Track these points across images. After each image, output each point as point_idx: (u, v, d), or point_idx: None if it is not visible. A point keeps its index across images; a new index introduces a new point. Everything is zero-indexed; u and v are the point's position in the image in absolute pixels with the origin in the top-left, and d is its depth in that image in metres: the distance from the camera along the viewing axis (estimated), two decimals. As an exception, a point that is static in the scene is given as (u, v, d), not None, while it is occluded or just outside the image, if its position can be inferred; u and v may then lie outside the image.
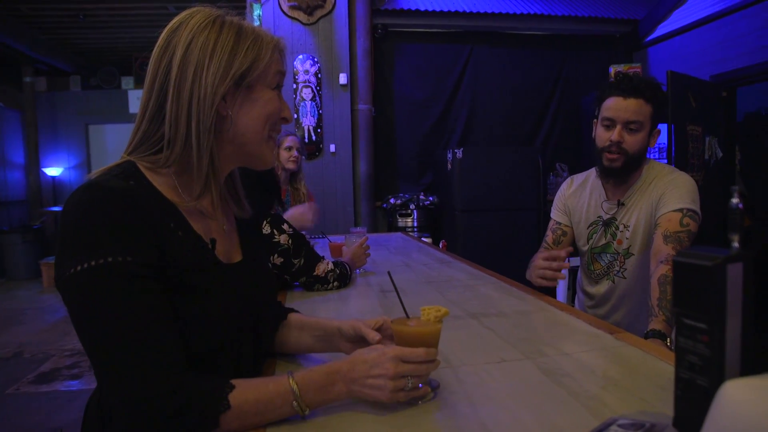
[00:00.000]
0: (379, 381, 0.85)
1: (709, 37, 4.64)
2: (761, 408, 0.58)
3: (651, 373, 1.04)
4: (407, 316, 1.02)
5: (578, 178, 2.14)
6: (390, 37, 5.40)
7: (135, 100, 7.93)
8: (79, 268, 0.77)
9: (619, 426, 0.81)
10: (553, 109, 5.68)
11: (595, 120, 1.94)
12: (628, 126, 1.81)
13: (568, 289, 4.79)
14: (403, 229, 5.09)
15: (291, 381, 0.84)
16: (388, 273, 1.12)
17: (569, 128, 5.61)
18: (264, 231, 1.84)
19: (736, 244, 0.74)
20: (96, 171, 0.91)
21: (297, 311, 1.23)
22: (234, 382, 0.82)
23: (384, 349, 0.88)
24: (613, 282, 1.95)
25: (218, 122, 0.91)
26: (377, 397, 0.86)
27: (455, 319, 1.47)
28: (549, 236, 2.09)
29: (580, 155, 5.38)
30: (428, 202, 5.15)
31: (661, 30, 5.15)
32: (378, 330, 1.06)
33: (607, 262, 1.97)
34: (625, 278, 1.91)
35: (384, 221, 5.42)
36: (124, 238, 0.80)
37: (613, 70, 4.79)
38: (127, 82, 8.13)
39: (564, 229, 2.07)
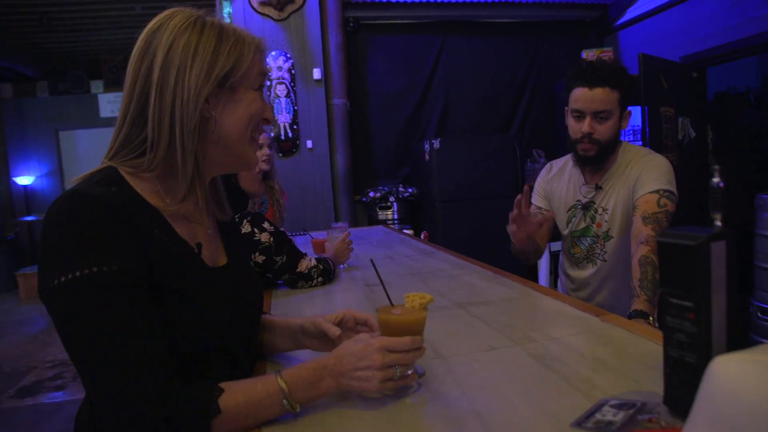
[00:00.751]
0: (367, 372, 0.85)
1: (678, 19, 4.69)
2: (751, 381, 0.59)
3: (638, 353, 1.05)
4: (392, 304, 1.01)
5: (557, 163, 2.16)
6: (362, 29, 5.37)
7: (106, 104, 7.78)
8: (63, 279, 0.75)
9: (611, 406, 0.82)
10: (528, 96, 5.71)
11: (567, 108, 1.96)
12: (598, 116, 1.83)
13: (550, 273, 4.84)
14: (384, 222, 5.08)
15: (279, 380, 0.84)
16: (371, 261, 1.12)
17: (544, 114, 5.64)
18: (245, 230, 1.83)
19: (718, 223, 0.75)
20: (76, 178, 0.89)
21: (265, 312, 1.22)
22: (222, 385, 0.81)
23: (370, 341, 0.88)
24: (595, 265, 1.97)
25: (202, 124, 0.90)
26: (366, 388, 0.86)
27: (442, 309, 1.47)
28: None
29: (556, 141, 5.42)
30: (407, 194, 5.15)
31: (631, 13, 5.20)
32: (339, 324, 1.06)
33: (587, 245, 1.99)
34: (606, 261, 1.94)
35: (364, 215, 5.41)
36: (109, 247, 0.78)
37: (585, 54, 4.82)
38: (96, 86, 7.96)
39: (545, 214, 2.09)
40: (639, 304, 1.45)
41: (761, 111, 5.39)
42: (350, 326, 1.08)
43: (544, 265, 4.88)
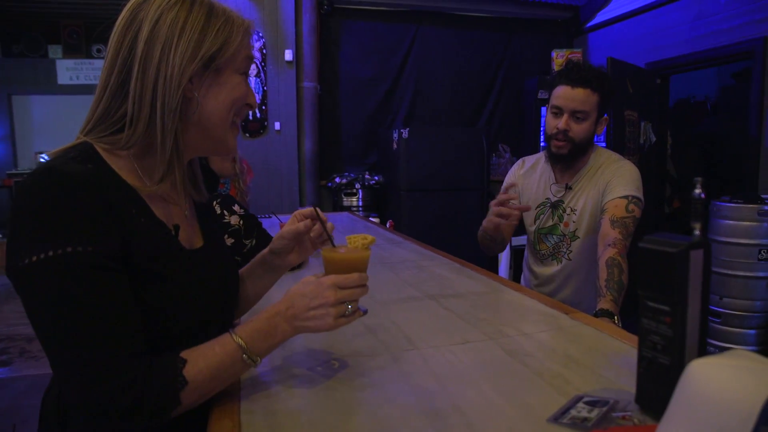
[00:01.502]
0: (321, 311, 0.87)
1: (646, 26, 4.81)
2: (727, 385, 0.62)
3: (607, 351, 1.09)
4: (333, 246, 1.03)
5: (529, 160, 2.20)
6: (336, 13, 5.32)
7: (64, 70, 7.48)
8: (35, 258, 0.73)
9: (585, 403, 0.85)
10: (496, 91, 5.77)
11: (548, 105, 2.00)
12: (575, 115, 1.87)
13: (510, 268, 4.94)
14: (348, 209, 5.08)
15: (235, 337, 0.85)
16: (314, 208, 1.11)
17: (511, 110, 5.72)
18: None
19: (697, 232, 0.79)
20: (51, 153, 0.86)
21: None
22: (184, 355, 0.82)
23: (320, 279, 0.90)
24: (560, 263, 2.02)
25: (184, 104, 0.88)
26: (321, 327, 0.89)
27: (415, 300, 1.49)
28: None
29: (522, 137, 5.50)
30: (373, 182, 5.16)
31: (601, 17, 5.31)
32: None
33: (553, 243, 2.04)
34: (571, 260, 1.99)
35: (329, 200, 5.39)
36: (85, 226, 0.76)
37: (555, 54, 4.90)
38: (54, 50, 7.63)
39: (520, 200, 2.10)
40: (605, 304, 1.50)
41: (717, 119, 5.60)
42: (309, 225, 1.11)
43: (504, 260, 4.97)
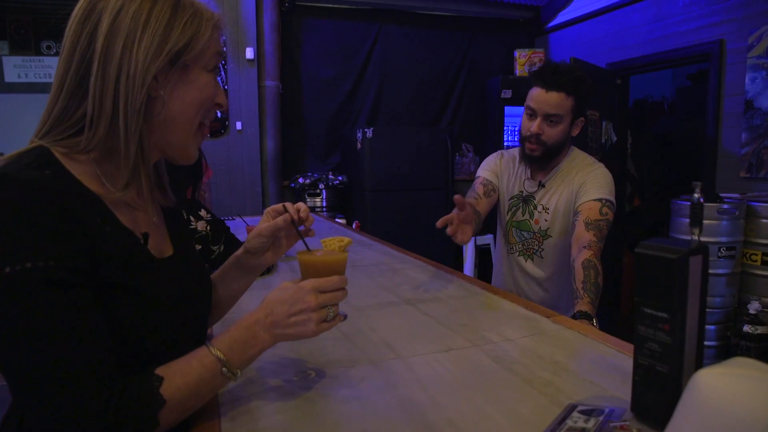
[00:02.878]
0: (302, 316, 0.84)
1: (606, 27, 4.89)
2: (736, 395, 0.60)
3: (593, 356, 1.07)
4: (309, 249, 0.98)
5: (507, 153, 2.17)
6: (297, 11, 5.23)
7: (11, 68, 7.14)
8: None
9: (580, 412, 0.83)
10: (459, 91, 5.77)
11: (525, 104, 1.98)
12: (548, 118, 1.86)
13: (475, 267, 4.96)
14: (312, 210, 5.00)
15: (213, 350, 0.81)
16: (284, 206, 1.08)
17: (474, 110, 5.73)
18: (180, 216, 1.72)
19: (696, 237, 0.77)
20: (1, 159, 0.78)
21: None
22: (159, 372, 0.76)
23: (299, 284, 0.86)
24: (531, 260, 2.01)
25: (148, 104, 0.81)
26: (303, 333, 0.85)
27: (392, 306, 1.45)
28: (479, 189, 2.04)
29: (485, 136, 5.53)
30: (337, 182, 5.10)
31: (562, 17, 5.37)
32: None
33: (524, 238, 2.02)
34: (543, 258, 1.99)
35: (292, 201, 5.25)
36: (45, 239, 0.69)
37: (518, 54, 4.94)
38: (0, 47, 7.33)
39: (494, 186, 2.06)
40: (583, 306, 1.49)
41: (674, 119, 5.74)
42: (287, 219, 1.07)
43: (469, 259, 4.99)
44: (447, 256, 4.89)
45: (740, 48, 3.77)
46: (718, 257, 3.25)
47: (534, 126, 1.86)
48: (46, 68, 5.95)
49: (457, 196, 1.57)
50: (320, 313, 0.85)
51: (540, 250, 1.98)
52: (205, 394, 0.80)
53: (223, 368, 0.80)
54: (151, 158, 0.88)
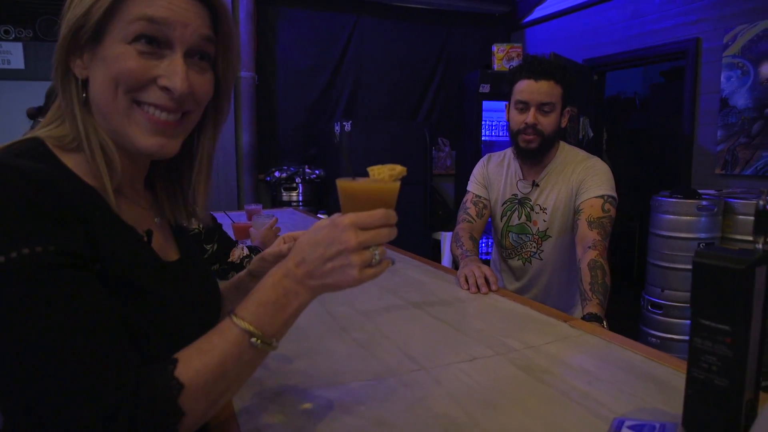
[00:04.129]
0: (342, 260, 0.67)
1: (583, 23, 4.91)
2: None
3: (622, 364, 1.04)
4: (353, 178, 0.78)
5: (495, 156, 2.15)
6: (274, 0, 5.11)
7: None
8: None
9: (630, 428, 0.79)
10: (436, 84, 5.74)
11: (508, 104, 1.96)
12: (542, 108, 1.85)
13: (453, 262, 4.94)
14: (288, 204, 4.91)
15: (236, 320, 0.67)
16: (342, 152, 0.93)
17: (451, 104, 5.70)
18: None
19: (760, 246, 0.74)
20: None
21: None
22: (177, 355, 0.66)
23: (335, 219, 0.69)
24: (529, 262, 1.99)
25: (74, 86, 0.73)
26: (344, 282, 0.68)
27: (399, 309, 1.40)
28: (471, 209, 2.07)
29: (462, 131, 5.50)
30: (314, 176, 5.01)
31: (539, 12, 5.37)
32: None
33: (521, 242, 2.00)
34: (542, 259, 1.96)
35: (267, 195, 5.19)
36: (43, 224, 0.61)
37: (496, 48, 4.92)
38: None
39: (484, 203, 2.08)
40: (592, 308, 1.46)
41: (647, 116, 5.82)
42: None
43: (447, 253, 4.97)
44: (425, 249, 4.86)
45: (716, 47, 3.83)
46: (697, 253, 3.29)
47: (529, 117, 1.84)
48: (4, 54, 5.67)
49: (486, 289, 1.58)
50: (363, 255, 0.68)
51: (539, 252, 1.95)
52: (238, 373, 0.67)
53: (253, 339, 0.66)
54: (121, 152, 0.77)
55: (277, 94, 5.22)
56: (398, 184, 0.76)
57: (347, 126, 4.56)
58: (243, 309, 0.68)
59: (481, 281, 1.57)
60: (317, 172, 5.05)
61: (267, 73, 5.13)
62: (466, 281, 1.60)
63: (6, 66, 5.41)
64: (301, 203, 4.96)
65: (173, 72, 0.71)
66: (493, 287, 1.57)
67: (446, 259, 4.97)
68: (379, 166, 0.77)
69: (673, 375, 0.98)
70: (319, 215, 3.56)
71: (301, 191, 4.98)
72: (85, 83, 0.73)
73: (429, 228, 5.04)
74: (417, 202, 4.86)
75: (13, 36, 5.35)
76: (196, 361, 0.65)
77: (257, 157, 4.98)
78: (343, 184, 0.75)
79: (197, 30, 0.73)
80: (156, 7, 0.69)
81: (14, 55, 5.31)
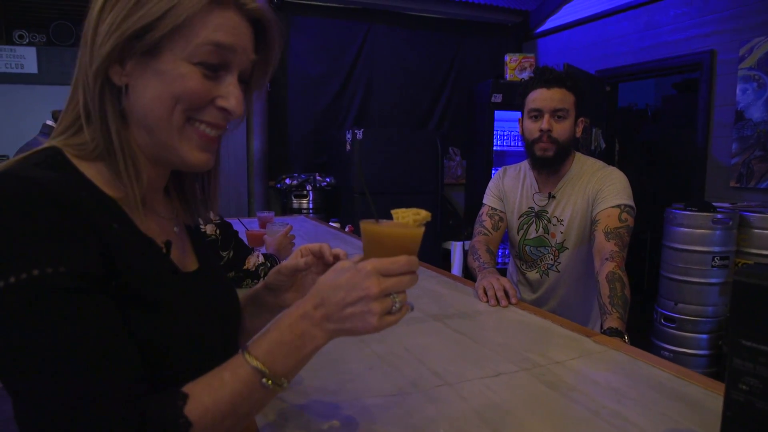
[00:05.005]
0: (362, 307, 0.66)
1: (596, 34, 4.90)
2: None
3: (652, 383, 1.02)
4: (377, 221, 0.75)
5: (511, 169, 2.14)
6: (286, 8, 5.12)
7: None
8: None
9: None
10: (447, 93, 5.73)
11: (521, 117, 1.95)
12: (556, 114, 1.85)
13: (464, 269, 4.92)
14: (299, 211, 4.91)
15: (249, 358, 0.66)
16: (358, 164, 0.87)
17: (462, 113, 5.70)
18: (188, 221, 1.63)
19: (804, 265, 0.72)
20: (9, 161, 0.68)
21: None
22: (186, 389, 0.65)
23: (358, 265, 0.68)
24: (547, 275, 1.97)
25: (112, 94, 0.70)
26: (362, 328, 0.67)
27: (418, 322, 1.38)
28: (487, 222, 2.06)
29: (473, 140, 5.49)
30: (325, 183, 5.00)
31: (551, 23, 5.37)
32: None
33: (539, 255, 1.98)
34: (560, 272, 1.94)
35: (277, 202, 5.19)
36: (54, 243, 0.60)
37: (508, 58, 4.91)
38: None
39: (500, 215, 2.07)
40: (612, 322, 1.44)
41: (659, 127, 5.79)
42: (310, 262, 0.89)
43: (457, 262, 4.95)
44: (434, 257, 4.84)
45: (731, 59, 3.81)
46: (712, 267, 3.27)
47: (543, 123, 1.84)
48: (18, 58, 5.71)
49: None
50: (383, 303, 0.67)
51: (556, 264, 1.93)
52: (246, 411, 0.67)
53: (264, 379, 0.65)
54: (154, 171, 0.78)
55: (289, 101, 5.23)
56: (422, 229, 0.75)
57: (359, 134, 4.56)
58: (256, 347, 0.67)
59: (500, 294, 1.56)
60: (328, 179, 5.05)
61: (279, 80, 5.14)
62: (485, 293, 1.58)
63: (19, 70, 5.45)
64: (311, 210, 4.95)
65: (231, 94, 0.72)
66: (513, 300, 1.55)
67: (456, 269, 4.95)
68: (404, 210, 0.76)
69: (704, 394, 0.96)
70: (331, 223, 3.55)
71: (311, 198, 4.97)
72: (119, 90, 0.71)
73: (440, 238, 5.02)
74: (428, 211, 4.83)
75: (27, 41, 5.39)
76: (206, 398, 0.64)
77: (268, 164, 4.98)
78: (367, 226, 0.74)
79: (249, 55, 0.75)
80: (223, 32, 0.70)
81: (27, 60, 5.35)
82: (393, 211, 0.75)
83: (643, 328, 3.70)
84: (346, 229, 4.16)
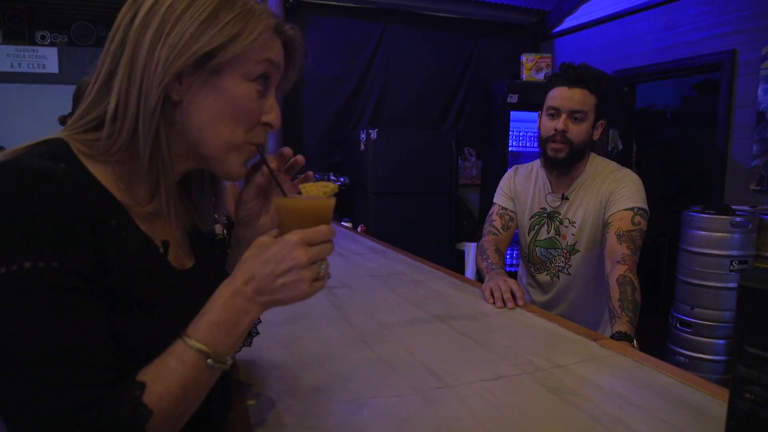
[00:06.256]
0: (293, 276, 0.68)
1: (613, 34, 4.84)
2: None
3: (656, 388, 1.00)
4: (285, 195, 0.80)
5: (522, 168, 2.11)
6: (302, 8, 5.13)
7: (4, 57, 6.98)
8: None
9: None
10: (463, 94, 5.69)
11: (540, 111, 1.92)
12: (573, 115, 1.81)
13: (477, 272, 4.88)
14: (313, 211, 4.90)
15: (191, 342, 0.67)
16: (259, 150, 0.83)
17: (478, 113, 5.66)
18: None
19: (812, 269, 0.69)
20: (13, 148, 0.69)
21: None
22: (141, 378, 0.65)
23: (283, 238, 0.70)
24: (557, 277, 1.94)
25: (168, 108, 0.72)
26: (295, 296, 0.70)
27: (423, 323, 1.37)
28: (497, 221, 2.03)
29: (489, 141, 5.46)
30: (339, 183, 5.00)
31: (569, 23, 5.31)
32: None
33: (550, 257, 1.95)
34: (570, 274, 1.91)
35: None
36: (49, 236, 0.61)
37: (525, 58, 4.87)
38: (-7, 35, 7.15)
39: (511, 215, 2.04)
40: (621, 326, 1.41)
41: (678, 129, 5.70)
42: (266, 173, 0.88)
43: (471, 264, 4.92)
44: (449, 260, 4.81)
45: (753, 59, 3.73)
46: (730, 271, 3.20)
47: (559, 123, 1.80)
48: (40, 58, 5.79)
49: None
50: (312, 270, 0.69)
51: (567, 266, 1.90)
52: (195, 394, 0.68)
53: (209, 360, 0.67)
54: (177, 168, 0.79)
55: (304, 101, 5.23)
56: (334, 200, 0.79)
57: (373, 134, 4.55)
58: (195, 330, 0.68)
59: (507, 295, 1.53)
60: (342, 179, 5.05)
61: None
62: (492, 295, 1.56)
63: (41, 70, 5.53)
64: (325, 210, 4.94)
65: (273, 109, 0.79)
66: (520, 302, 1.53)
67: (470, 271, 4.92)
68: (311, 184, 0.80)
69: (710, 402, 0.93)
70: (342, 223, 3.55)
71: (325, 198, 4.96)
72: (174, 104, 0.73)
73: (454, 238, 4.99)
74: (442, 213, 4.81)
75: (49, 41, 5.46)
76: (158, 387, 0.64)
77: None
78: (286, 201, 0.76)
79: (282, 73, 0.80)
80: (274, 50, 0.77)
81: (49, 60, 5.43)
82: (301, 186, 0.80)
83: (660, 333, 3.63)
84: (359, 229, 4.16)
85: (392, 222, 4.66)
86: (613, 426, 0.84)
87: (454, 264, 4.87)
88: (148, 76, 0.69)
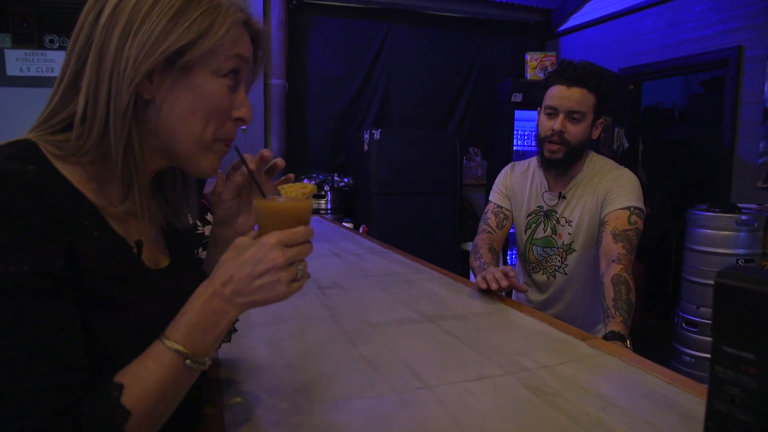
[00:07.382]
0: (270, 277, 0.69)
1: (619, 32, 4.80)
2: None
3: (643, 389, 0.97)
4: (264, 196, 0.82)
5: (519, 165, 2.09)
6: (306, 9, 5.13)
7: (14, 61, 7.05)
8: None
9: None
10: (468, 93, 5.67)
11: (539, 108, 1.89)
12: (571, 115, 1.78)
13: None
14: (317, 212, 4.91)
15: (168, 343, 0.67)
16: (236, 147, 0.87)
17: (483, 113, 5.63)
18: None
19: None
20: None
21: None
22: (119, 379, 0.65)
23: (261, 239, 0.71)
24: (553, 277, 1.91)
25: (140, 107, 0.71)
26: (273, 297, 0.70)
27: (411, 323, 1.35)
28: (491, 219, 2.02)
29: (494, 140, 5.42)
30: (343, 184, 4.99)
31: (574, 21, 5.27)
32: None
33: (546, 255, 1.93)
34: (566, 274, 1.89)
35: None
36: (20, 239, 0.60)
37: (529, 57, 4.83)
38: (2, 39, 7.22)
39: (506, 213, 2.02)
40: (615, 325, 1.39)
41: (685, 127, 5.64)
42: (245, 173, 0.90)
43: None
44: (454, 259, 4.79)
45: (760, 55, 3.68)
46: (736, 270, 3.15)
47: (556, 123, 1.78)
48: (48, 62, 5.85)
49: None
50: (289, 271, 0.70)
51: (563, 266, 1.88)
52: (174, 394, 0.68)
53: (187, 361, 0.67)
54: (149, 166, 0.78)
55: (308, 101, 5.23)
56: (312, 201, 0.81)
57: (376, 134, 4.54)
58: (174, 331, 0.68)
59: (499, 275, 1.53)
60: (346, 180, 5.04)
61: (297, 80, 5.15)
62: (484, 280, 1.55)
63: (50, 74, 5.57)
64: (329, 211, 4.95)
65: (244, 104, 0.78)
66: (511, 274, 1.54)
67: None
68: (290, 185, 0.81)
69: (696, 404, 0.91)
70: (344, 223, 3.53)
71: (329, 199, 4.97)
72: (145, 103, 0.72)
73: (458, 238, 4.97)
74: (446, 213, 4.79)
75: (57, 45, 5.51)
76: (136, 388, 0.64)
77: (286, 164, 4.97)
78: (265, 203, 0.77)
79: (250, 67, 0.80)
80: (243, 45, 0.76)
81: (57, 64, 5.47)
82: (281, 187, 0.80)
83: (667, 332, 3.59)
84: (360, 230, 4.14)
85: (396, 222, 4.65)
86: (592, 427, 0.83)
87: (459, 264, 4.84)
88: (118, 76, 0.68)
